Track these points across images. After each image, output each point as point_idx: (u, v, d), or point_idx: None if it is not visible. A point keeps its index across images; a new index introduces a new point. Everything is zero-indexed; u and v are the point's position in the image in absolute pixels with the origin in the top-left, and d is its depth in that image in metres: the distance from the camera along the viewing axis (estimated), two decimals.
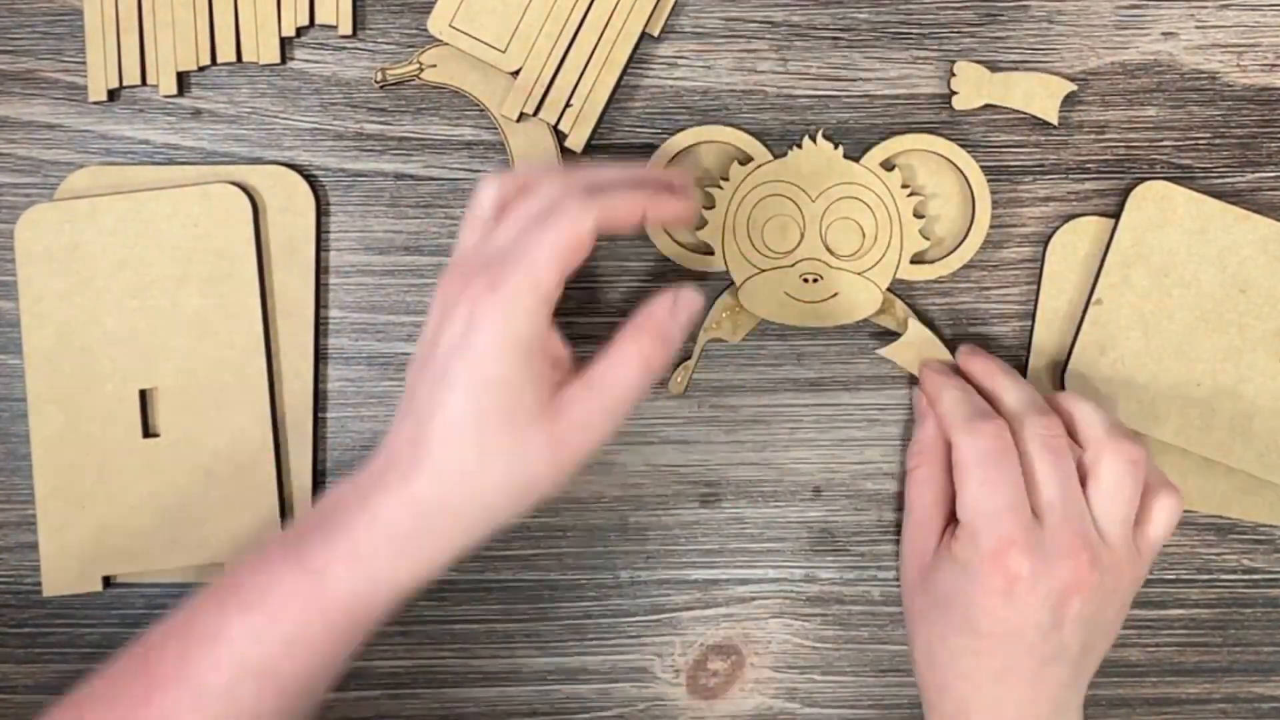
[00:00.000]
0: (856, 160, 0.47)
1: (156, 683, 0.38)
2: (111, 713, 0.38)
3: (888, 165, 0.47)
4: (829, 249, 0.47)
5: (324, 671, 0.39)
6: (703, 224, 0.47)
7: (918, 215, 0.47)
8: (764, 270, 0.47)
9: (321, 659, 0.39)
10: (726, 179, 0.47)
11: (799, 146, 0.47)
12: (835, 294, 0.47)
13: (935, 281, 0.48)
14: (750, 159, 0.47)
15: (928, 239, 0.47)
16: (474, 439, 0.38)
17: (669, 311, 0.41)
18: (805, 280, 0.47)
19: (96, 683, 0.39)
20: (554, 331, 0.40)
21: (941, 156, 0.47)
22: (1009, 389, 0.45)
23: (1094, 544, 0.41)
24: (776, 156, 0.47)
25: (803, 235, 0.47)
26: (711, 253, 0.47)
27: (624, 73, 0.47)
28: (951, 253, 0.47)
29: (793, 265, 0.47)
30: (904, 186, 0.47)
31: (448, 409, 0.38)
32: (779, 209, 0.47)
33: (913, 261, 0.47)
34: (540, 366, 0.39)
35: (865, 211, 0.47)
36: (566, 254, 0.38)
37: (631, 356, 0.40)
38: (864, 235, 0.47)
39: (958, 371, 0.47)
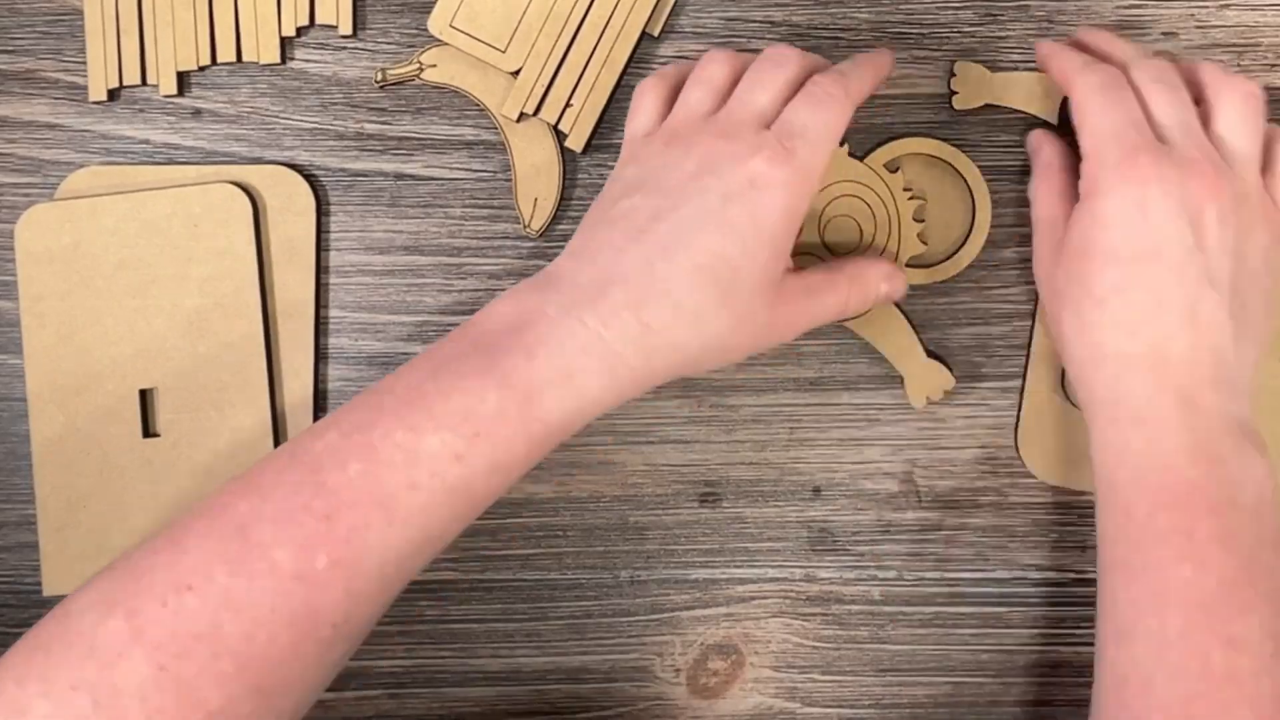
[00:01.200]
0: (860, 160, 0.47)
1: (343, 502, 0.35)
2: (286, 531, 0.35)
3: (891, 166, 0.47)
4: (826, 245, 0.47)
5: (507, 490, 0.38)
6: None
7: (917, 219, 0.47)
8: None
9: (515, 479, 0.38)
10: None
11: None
12: None
13: (934, 282, 0.48)
14: None
15: (925, 244, 0.47)
16: (722, 288, 0.38)
17: (885, 279, 0.44)
18: None
19: (247, 498, 0.36)
20: None
21: (945, 162, 0.47)
22: (1123, 47, 0.44)
23: (1221, 164, 0.40)
24: None
25: (801, 229, 0.47)
26: None
27: (624, 73, 0.47)
28: (948, 258, 0.47)
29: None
30: (906, 189, 0.47)
31: (708, 250, 0.38)
32: None
33: (909, 265, 0.47)
34: (789, 248, 0.40)
35: (865, 211, 0.47)
36: (838, 137, 0.40)
37: (842, 292, 0.43)
38: (862, 234, 0.47)
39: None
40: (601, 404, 0.38)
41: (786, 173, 0.38)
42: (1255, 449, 0.39)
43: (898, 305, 0.47)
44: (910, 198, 0.47)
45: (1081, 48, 0.45)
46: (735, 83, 0.42)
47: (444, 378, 0.37)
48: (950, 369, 0.48)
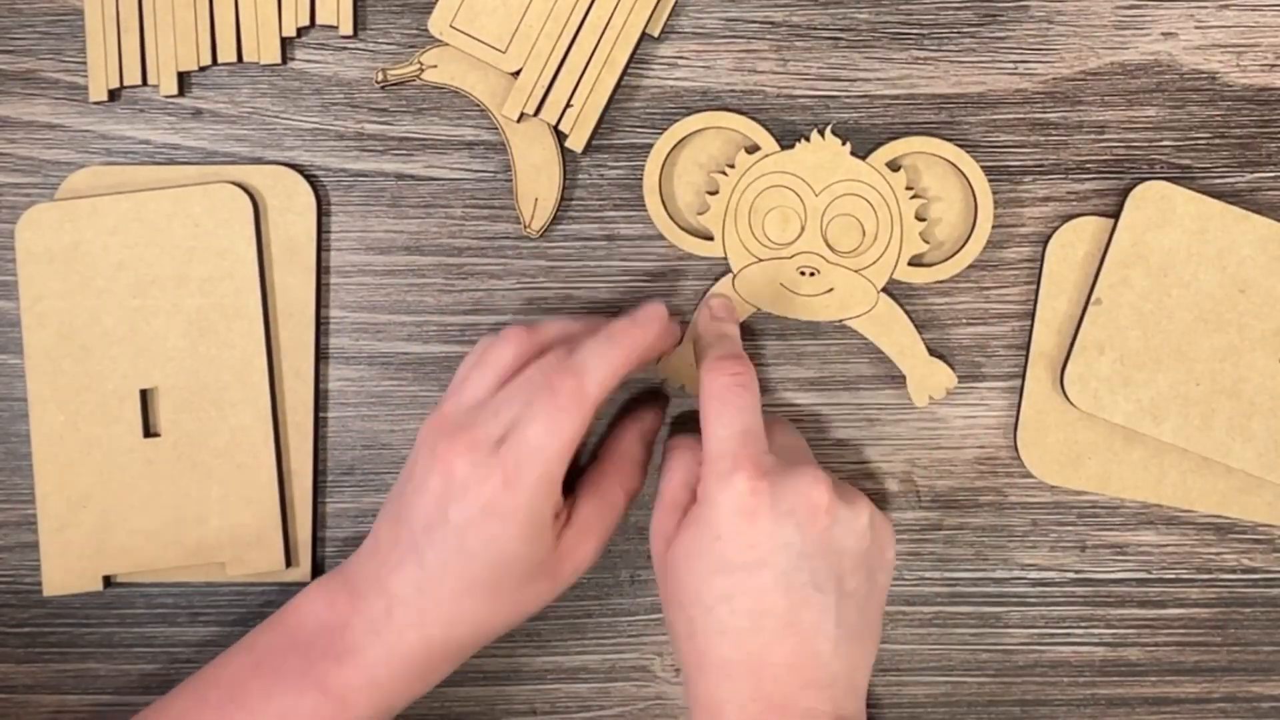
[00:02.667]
0: (863, 159, 0.47)
1: None
2: None
3: (893, 165, 0.47)
4: (828, 244, 0.47)
5: None
6: (705, 209, 0.47)
7: (919, 218, 0.47)
8: (762, 260, 0.47)
9: None
10: (732, 166, 0.47)
11: (807, 140, 0.47)
12: (830, 289, 0.47)
13: (934, 281, 0.48)
14: (757, 148, 0.47)
15: (927, 242, 0.47)
16: (489, 597, 0.41)
17: (638, 440, 0.46)
18: (802, 273, 0.47)
19: None
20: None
21: (947, 161, 0.47)
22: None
23: (831, 484, 0.41)
24: (784, 148, 0.47)
25: (803, 228, 0.47)
26: (711, 238, 0.47)
27: (624, 73, 0.47)
28: (950, 258, 0.47)
29: (791, 257, 0.47)
30: (908, 188, 0.47)
31: (465, 574, 0.41)
32: (781, 200, 0.47)
33: (911, 263, 0.47)
34: (550, 535, 0.42)
35: (867, 210, 0.47)
36: (575, 443, 0.41)
37: (616, 496, 0.44)
38: (864, 233, 0.47)
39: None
40: (409, 697, 0.42)
41: (515, 498, 0.40)
42: None
43: (899, 304, 0.47)
44: (912, 197, 0.47)
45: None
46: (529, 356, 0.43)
47: (265, 675, 0.41)
48: (952, 367, 0.48)
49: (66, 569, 0.47)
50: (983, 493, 0.49)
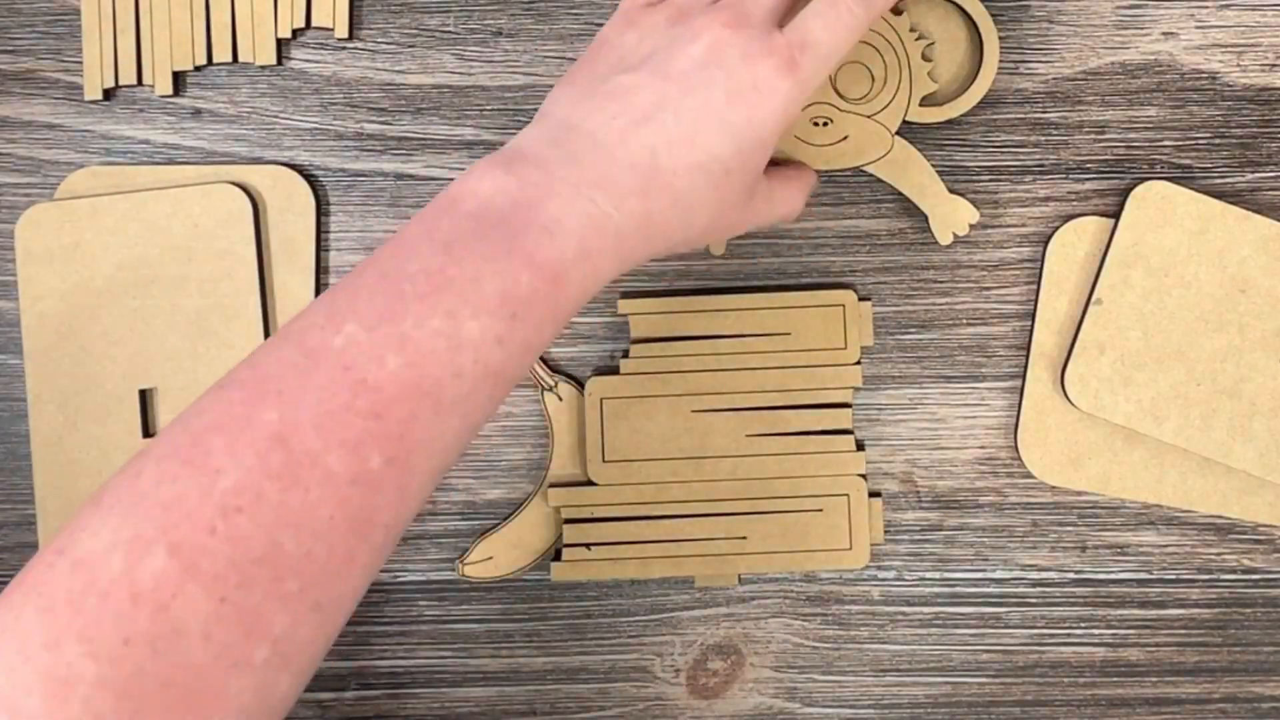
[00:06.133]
0: None
1: (389, 398, 0.33)
2: (336, 435, 0.33)
3: (896, 10, 0.47)
4: (839, 92, 0.47)
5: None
6: None
7: (926, 58, 0.47)
8: None
9: (537, 357, 0.38)
10: None
11: None
12: (845, 137, 0.47)
13: (934, 280, 0.48)
14: None
15: (936, 81, 0.48)
16: (714, 185, 0.39)
17: (808, 188, 0.46)
18: (815, 124, 0.47)
19: (273, 406, 0.33)
20: None
21: (949, 1, 0.47)
22: None
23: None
24: None
25: None
26: None
27: None
28: (960, 95, 0.47)
29: (803, 109, 0.47)
30: (912, 30, 0.47)
31: (708, 149, 0.38)
32: None
33: (922, 104, 0.47)
34: (766, 157, 0.40)
35: (874, 55, 0.47)
36: (846, 56, 0.40)
37: (796, 192, 0.45)
38: (873, 79, 0.47)
39: None
40: (606, 281, 0.38)
41: (789, 84, 0.38)
42: None
43: (914, 145, 0.48)
44: (917, 38, 0.47)
45: None
46: None
47: (466, 260, 0.35)
48: (975, 205, 0.48)
49: None
50: (983, 493, 0.49)
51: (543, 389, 0.48)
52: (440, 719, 0.49)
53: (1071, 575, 0.49)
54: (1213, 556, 0.49)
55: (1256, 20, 0.48)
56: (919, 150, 0.47)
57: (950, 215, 0.48)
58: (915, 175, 0.47)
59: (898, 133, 0.47)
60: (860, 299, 0.48)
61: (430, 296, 0.34)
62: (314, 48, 0.48)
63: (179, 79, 0.48)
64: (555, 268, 0.36)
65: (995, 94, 0.48)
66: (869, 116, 0.47)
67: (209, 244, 0.47)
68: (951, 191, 0.47)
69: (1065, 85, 0.48)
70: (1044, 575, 0.49)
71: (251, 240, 0.47)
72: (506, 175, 0.37)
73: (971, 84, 0.47)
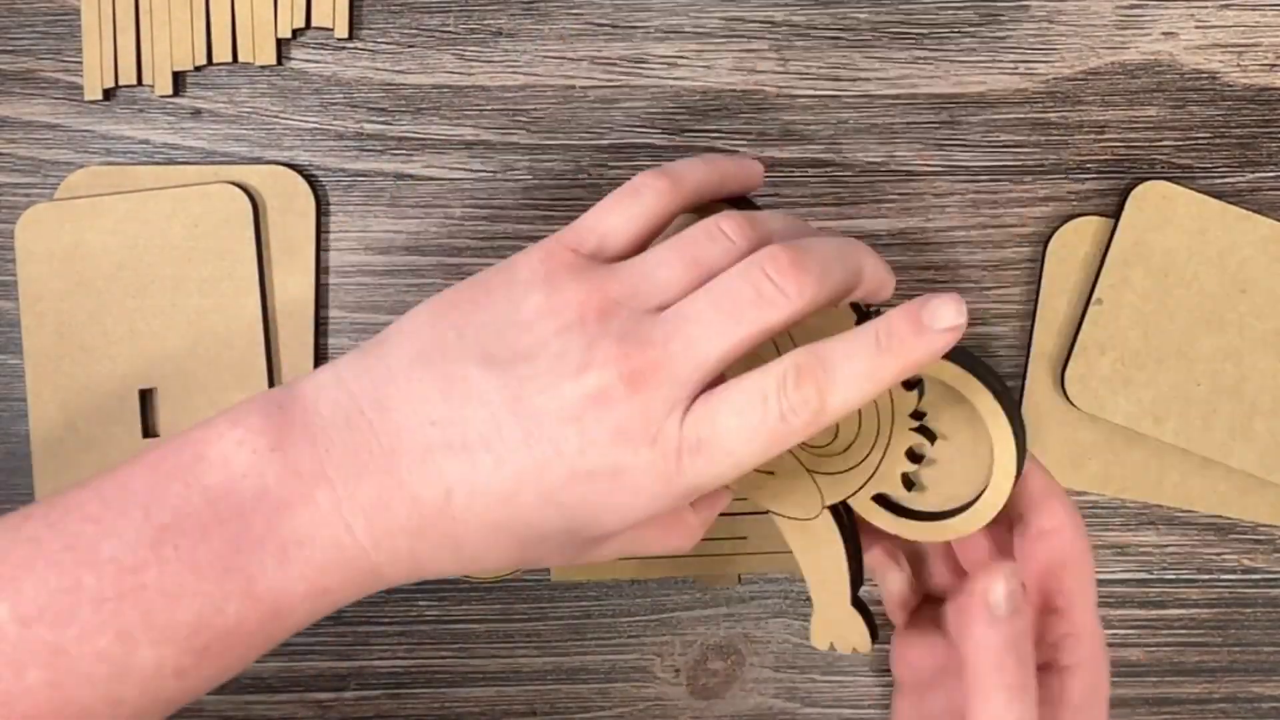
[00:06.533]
0: None
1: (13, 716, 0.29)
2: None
3: (910, 382, 0.36)
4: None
5: None
6: None
7: (912, 455, 0.37)
8: None
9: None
10: None
11: None
12: (772, 472, 0.38)
13: (934, 280, 0.48)
14: None
15: (909, 489, 0.37)
16: (521, 544, 0.33)
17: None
18: None
19: None
20: None
21: (968, 401, 0.35)
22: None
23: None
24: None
25: None
26: None
27: None
28: (953, 514, 0.37)
29: None
30: (915, 414, 0.36)
31: (521, 516, 0.32)
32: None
33: (876, 499, 0.37)
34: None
35: (852, 412, 0.34)
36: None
37: (680, 536, 0.37)
38: (836, 435, 0.37)
39: None
40: (347, 604, 0.33)
41: (659, 489, 0.31)
42: None
43: (844, 532, 0.38)
44: (914, 428, 0.36)
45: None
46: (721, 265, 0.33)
47: (171, 564, 0.29)
48: (873, 632, 0.39)
49: None
50: None
51: None
52: (440, 719, 0.49)
53: None
54: (1213, 556, 0.49)
55: (1256, 20, 0.48)
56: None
57: (838, 625, 0.39)
58: (825, 562, 0.38)
59: (836, 517, 0.38)
60: None
61: (110, 604, 0.29)
62: (314, 48, 0.48)
63: (179, 79, 0.48)
64: (276, 602, 0.30)
65: (995, 94, 0.48)
66: (809, 470, 0.37)
67: (209, 244, 0.47)
68: (951, 191, 0.47)
69: (1065, 85, 0.48)
70: None
71: (251, 240, 0.47)
72: (270, 453, 0.31)
73: (965, 508, 0.36)
